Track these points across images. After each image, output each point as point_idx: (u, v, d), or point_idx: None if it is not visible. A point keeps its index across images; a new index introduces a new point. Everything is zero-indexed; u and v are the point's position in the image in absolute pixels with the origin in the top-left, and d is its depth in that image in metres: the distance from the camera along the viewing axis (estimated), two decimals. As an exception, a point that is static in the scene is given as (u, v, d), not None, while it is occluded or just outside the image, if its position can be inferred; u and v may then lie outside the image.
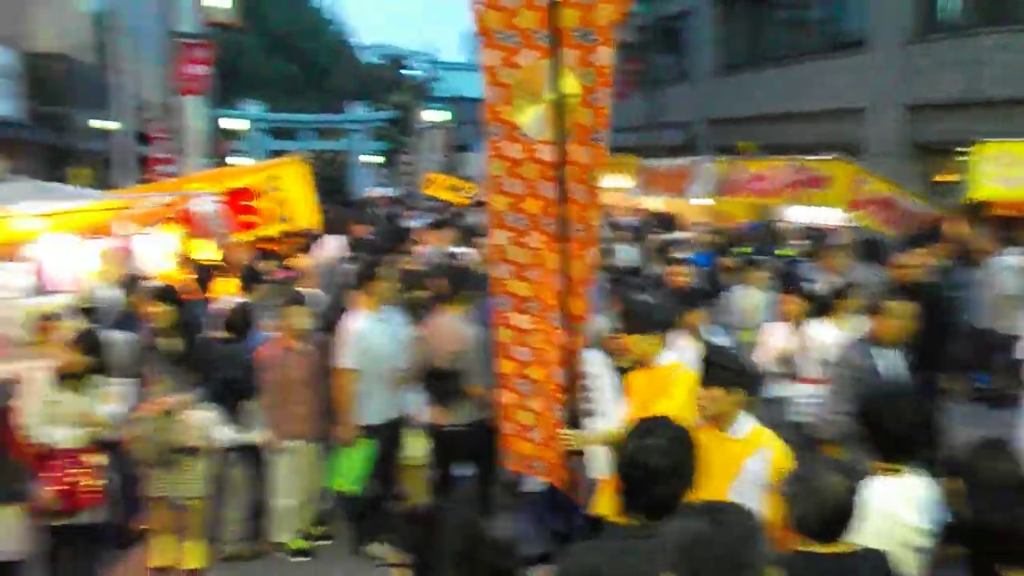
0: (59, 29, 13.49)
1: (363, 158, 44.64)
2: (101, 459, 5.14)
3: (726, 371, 3.55)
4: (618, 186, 15.46)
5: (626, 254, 9.69)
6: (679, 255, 8.15)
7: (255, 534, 5.85)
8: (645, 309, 4.35)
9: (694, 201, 13.79)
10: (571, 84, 3.86)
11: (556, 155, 3.91)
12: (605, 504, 4.07)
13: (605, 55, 3.91)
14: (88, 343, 5.13)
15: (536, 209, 4.14)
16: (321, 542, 5.93)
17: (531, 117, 4.03)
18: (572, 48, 3.83)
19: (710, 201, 13.45)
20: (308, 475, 5.81)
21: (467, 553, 2.48)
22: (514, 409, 4.47)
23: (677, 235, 11.51)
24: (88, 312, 6.15)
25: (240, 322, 5.98)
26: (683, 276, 7.00)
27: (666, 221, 13.28)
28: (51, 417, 4.94)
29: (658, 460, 2.62)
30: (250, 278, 6.95)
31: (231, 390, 5.60)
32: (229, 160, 28.77)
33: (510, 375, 4.44)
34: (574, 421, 4.13)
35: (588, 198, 4.08)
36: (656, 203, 15.30)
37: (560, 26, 3.75)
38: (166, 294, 5.86)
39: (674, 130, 22.32)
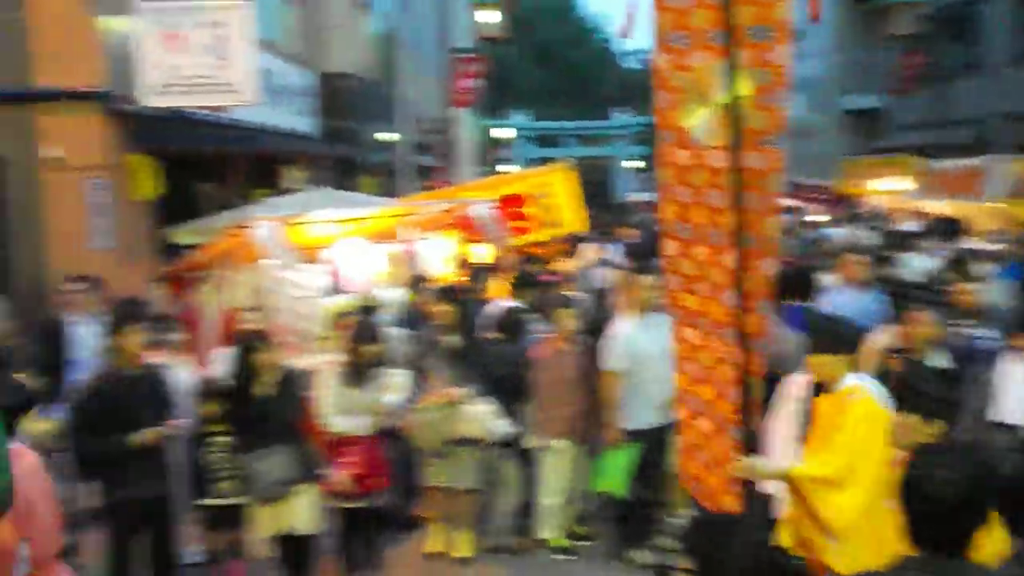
0: (349, 51, 14.71)
1: (624, 163, 44.95)
2: (385, 446, 5.57)
3: (827, 337, 3.66)
4: (897, 188, 14.37)
5: (916, 264, 8.70)
6: (978, 267, 7.30)
7: (521, 529, 6.05)
8: (830, 326, 3.91)
9: (986, 204, 12.51)
10: (744, 86, 3.56)
11: (728, 161, 3.60)
12: (785, 537, 3.69)
13: (783, 53, 3.62)
14: (370, 337, 5.54)
15: (702, 219, 3.89)
16: (583, 542, 6.01)
17: (701, 121, 3.78)
18: (747, 48, 3.56)
19: (1005, 205, 12.13)
20: (573, 475, 5.90)
21: (757, 567, 2.41)
22: (686, 425, 4.30)
23: (975, 244, 10.34)
24: (373, 310, 6.64)
25: (512, 324, 6.20)
26: (970, 294, 6.06)
27: (951, 227, 12.10)
28: (341, 407, 5.40)
29: (947, 491, 2.38)
30: (523, 282, 7.19)
31: (502, 389, 5.80)
32: (498, 168, 30.08)
33: (682, 390, 4.28)
34: (750, 447, 3.74)
35: (763, 206, 3.73)
36: (940, 207, 14.04)
37: (735, 24, 3.49)
38: (448, 294, 6.22)
39: (964, 127, 20.38)
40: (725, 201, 3.68)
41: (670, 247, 4.21)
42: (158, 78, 7.98)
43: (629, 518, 5.77)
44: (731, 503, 3.86)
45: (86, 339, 6.29)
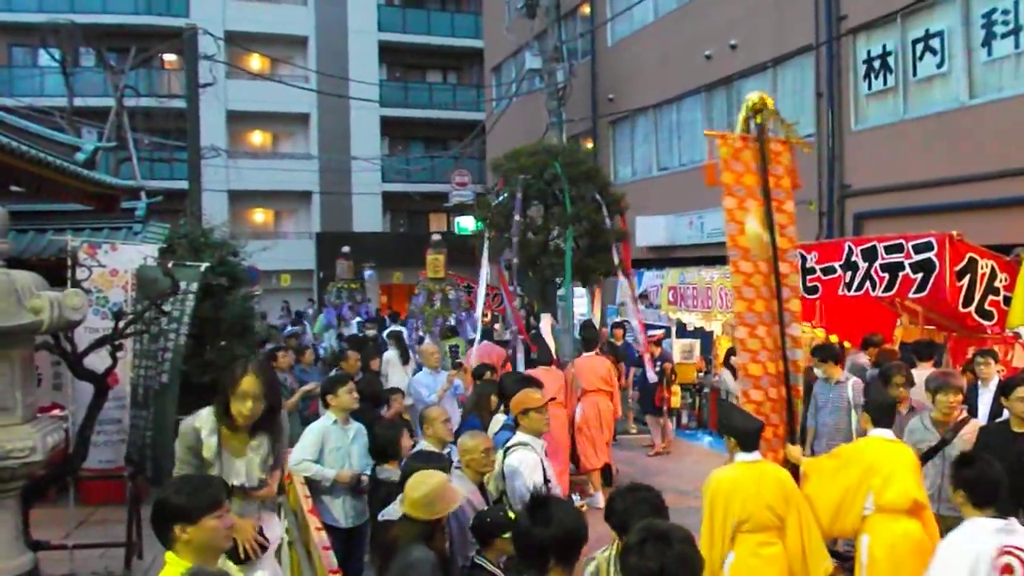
0: None
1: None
2: None
3: None
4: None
5: None
6: None
7: None
8: None
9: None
10: (777, 221, 6.05)
11: (772, 269, 6.02)
12: None
13: (790, 204, 6.25)
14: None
15: (762, 308, 6.03)
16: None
17: (756, 243, 5.99)
18: (774, 200, 6.06)
19: None
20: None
21: None
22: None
23: None
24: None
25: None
26: None
27: None
28: None
29: None
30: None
31: None
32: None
33: (754, 411, 5.79)
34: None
35: (788, 295, 6.09)
36: None
37: (767, 186, 6.03)
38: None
39: None
40: (771, 295, 6.00)
41: (741, 331, 6.02)
42: None
43: None
44: None
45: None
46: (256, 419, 4.27)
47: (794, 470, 5.42)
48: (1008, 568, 3.68)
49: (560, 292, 13.60)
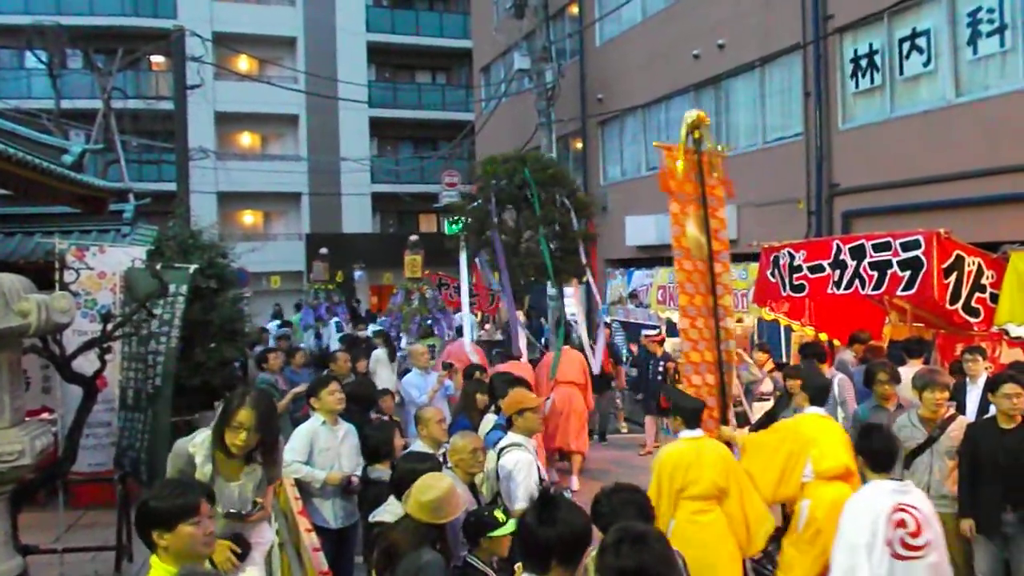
0: None
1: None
2: None
3: None
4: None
5: None
6: None
7: None
8: None
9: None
10: (712, 225, 6.86)
11: (707, 267, 6.84)
12: None
13: (722, 211, 7.08)
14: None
15: (700, 302, 6.78)
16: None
17: (695, 245, 6.81)
18: (709, 207, 6.86)
19: None
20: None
21: None
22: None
23: None
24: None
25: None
26: None
27: None
28: None
29: None
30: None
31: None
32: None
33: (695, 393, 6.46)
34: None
35: (722, 292, 6.90)
36: None
37: (705, 194, 6.86)
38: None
39: None
40: (708, 291, 6.80)
41: (684, 322, 6.75)
42: None
43: None
44: None
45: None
46: (251, 448, 4.29)
47: (728, 448, 6.04)
48: (902, 522, 4.37)
49: (550, 292, 14.14)
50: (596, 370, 11.50)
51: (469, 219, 12.39)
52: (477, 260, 12.75)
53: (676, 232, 6.77)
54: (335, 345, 14.00)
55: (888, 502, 4.41)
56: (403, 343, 12.66)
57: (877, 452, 4.66)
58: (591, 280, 12.48)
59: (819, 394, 6.16)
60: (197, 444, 4.24)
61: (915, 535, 4.35)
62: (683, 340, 6.80)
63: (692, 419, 5.62)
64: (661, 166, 6.95)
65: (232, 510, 4.24)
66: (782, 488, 5.74)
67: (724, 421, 6.71)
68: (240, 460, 4.32)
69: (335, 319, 17.87)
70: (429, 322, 13.22)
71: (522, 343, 11.13)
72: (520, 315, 11.74)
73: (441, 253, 14.05)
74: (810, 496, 5.63)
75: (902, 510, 4.39)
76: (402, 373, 10.69)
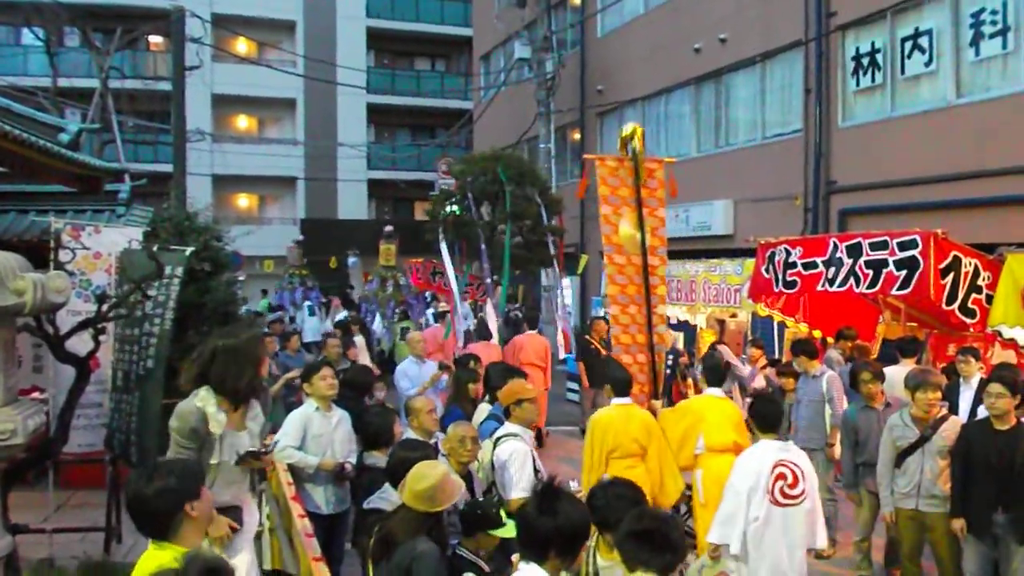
0: None
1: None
2: None
3: None
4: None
5: None
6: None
7: None
8: None
9: None
10: (649, 224, 7.75)
11: (641, 261, 7.70)
12: None
13: (661, 211, 7.99)
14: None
15: (633, 291, 7.67)
16: None
17: (629, 241, 7.68)
18: (646, 208, 7.75)
19: None
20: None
21: None
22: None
23: None
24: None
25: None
26: None
27: None
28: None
29: None
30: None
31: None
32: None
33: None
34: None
35: (657, 282, 7.81)
36: None
37: (641, 196, 7.74)
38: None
39: None
40: (641, 281, 7.67)
41: (613, 309, 7.71)
42: None
43: None
44: None
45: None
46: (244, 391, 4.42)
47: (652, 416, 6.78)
48: (782, 476, 5.20)
49: (545, 283, 15.21)
50: (562, 355, 12.61)
51: (442, 210, 14.11)
52: (447, 247, 13.68)
53: (608, 231, 7.72)
54: (308, 329, 14.44)
55: (772, 457, 5.24)
56: (375, 324, 13.79)
57: (764, 415, 5.49)
58: (556, 270, 13.87)
59: (715, 375, 6.93)
60: (202, 396, 4.24)
61: (792, 486, 5.20)
62: (614, 325, 7.78)
63: (621, 388, 6.34)
64: (584, 176, 8.02)
65: (251, 449, 4.38)
66: (679, 457, 6.47)
67: (655, 396, 7.52)
68: (242, 409, 4.41)
69: (307, 303, 18.09)
70: (403, 308, 14.31)
71: (492, 326, 12.18)
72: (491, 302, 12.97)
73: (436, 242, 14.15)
74: (702, 466, 6.46)
75: (783, 464, 5.22)
76: (378, 355, 11.35)
